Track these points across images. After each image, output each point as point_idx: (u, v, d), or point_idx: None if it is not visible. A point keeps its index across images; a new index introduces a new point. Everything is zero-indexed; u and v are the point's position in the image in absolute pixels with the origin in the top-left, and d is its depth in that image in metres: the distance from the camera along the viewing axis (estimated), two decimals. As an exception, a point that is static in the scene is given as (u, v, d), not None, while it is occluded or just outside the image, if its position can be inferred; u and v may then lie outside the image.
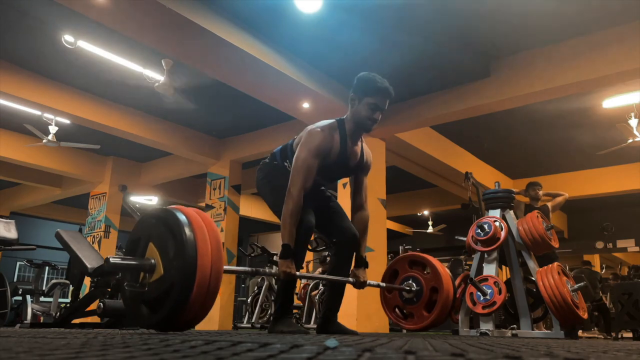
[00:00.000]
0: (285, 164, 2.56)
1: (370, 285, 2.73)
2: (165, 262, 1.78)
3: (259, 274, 2.34)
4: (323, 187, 2.72)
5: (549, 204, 5.13)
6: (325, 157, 2.44)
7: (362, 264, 2.64)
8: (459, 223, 5.59)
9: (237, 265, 7.61)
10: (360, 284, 2.61)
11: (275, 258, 5.40)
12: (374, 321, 5.24)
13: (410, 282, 3.05)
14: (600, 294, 7.18)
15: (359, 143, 2.64)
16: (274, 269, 2.39)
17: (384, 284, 3.01)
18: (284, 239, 2.31)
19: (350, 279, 2.59)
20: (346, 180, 5.49)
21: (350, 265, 2.65)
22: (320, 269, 6.74)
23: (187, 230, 1.74)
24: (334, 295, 2.66)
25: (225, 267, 1.89)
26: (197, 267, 1.70)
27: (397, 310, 3.17)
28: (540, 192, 5.12)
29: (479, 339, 2.34)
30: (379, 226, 5.79)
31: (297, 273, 2.35)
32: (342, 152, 2.50)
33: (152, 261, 1.82)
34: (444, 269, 3.05)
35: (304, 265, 7.54)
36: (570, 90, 4.91)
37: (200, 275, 1.71)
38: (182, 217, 1.79)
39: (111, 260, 1.79)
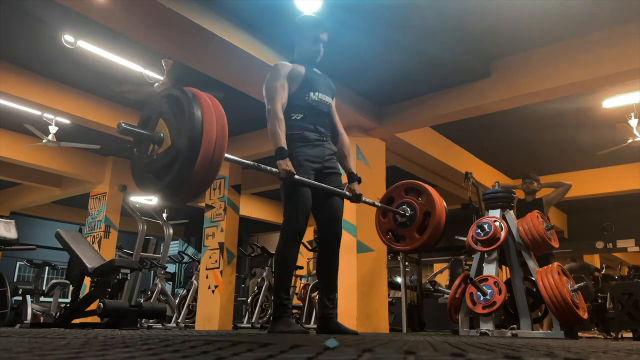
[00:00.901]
0: (293, 116, 2.68)
1: (365, 202, 2.83)
2: (173, 135, 1.92)
3: (260, 169, 2.36)
4: (335, 167, 2.77)
5: (544, 198, 5.02)
6: (293, 74, 2.70)
7: (355, 178, 2.84)
8: (459, 223, 5.60)
9: (237, 265, 7.60)
10: (356, 197, 2.76)
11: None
12: (374, 321, 5.24)
13: (404, 207, 3.05)
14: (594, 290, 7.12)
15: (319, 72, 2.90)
16: (275, 170, 2.44)
17: (379, 204, 3.04)
18: (277, 144, 2.49)
19: (347, 193, 2.75)
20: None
21: (333, 263, 2.73)
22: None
23: (195, 106, 1.89)
24: (327, 281, 2.70)
25: (227, 156, 2.01)
26: (203, 137, 1.84)
27: (390, 234, 3.16)
28: (535, 185, 5.00)
29: (479, 339, 2.34)
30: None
31: (296, 177, 2.45)
32: (309, 69, 2.78)
33: (161, 134, 1.96)
34: (438, 197, 3.06)
35: (304, 264, 7.56)
36: (570, 90, 4.91)
37: (205, 145, 1.85)
38: (191, 95, 1.94)
39: (123, 125, 1.92)
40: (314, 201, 2.64)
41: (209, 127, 1.87)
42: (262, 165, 2.37)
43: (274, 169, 2.42)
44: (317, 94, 2.75)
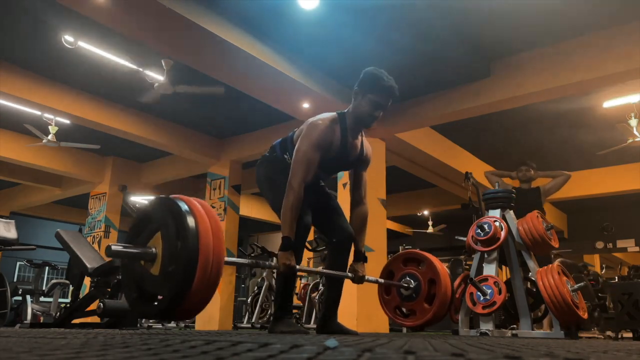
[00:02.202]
0: (285, 156, 2.55)
1: (368, 280, 2.74)
2: (166, 253, 1.80)
3: (258, 266, 2.35)
4: (323, 183, 2.73)
5: (541, 188, 4.80)
6: (326, 150, 2.43)
7: (361, 258, 2.66)
8: (459, 223, 5.59)
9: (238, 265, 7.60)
10: (358, 279, 2.62)
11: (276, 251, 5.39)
12: (374, 321, 5.23)
13: (407, 279, 3.03)
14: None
15: (359, 137, 2.65)
16: (274, 262, 2.39)
17: (382, 280, 3.00)
18: (284, 232, 2.31)
19: (349, 274, 2.61)
20: (346, 180, 5.49)
21: (346, 263, 2.67)
22: (320, 268, 6.75)
23: (189, 220, 1.75)
24: (332, 293, 2.68)
25: (226, 259, 1.90)
26: (199, 256, 1.72)
27: (397, 310, 3.16)
28: (532, 173, 4.80)
29: (479, 339, 2.34)
30: (379, 226, 5.79)
31: (297, 267, 2.35)
32: (343, 145, 2.49)
33: (154, 250, 1.84)
34: (438, 262, 3.04)
35: (304, 264, 7.56)
36: (570, 90, 4.91)
37: (202, 264, 1.72)
38: (185, 207, 1.81)
39: (113, 248, 1.81)
40: (315, 214, 2.55)
41: (205, 245, 1.74)
42: (261, 262, 2.36)
43: (272, 264, 2.37)
44: (323, 174, 2.61)
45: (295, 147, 2.43)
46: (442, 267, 3.02)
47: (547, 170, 5.11)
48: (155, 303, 1.84)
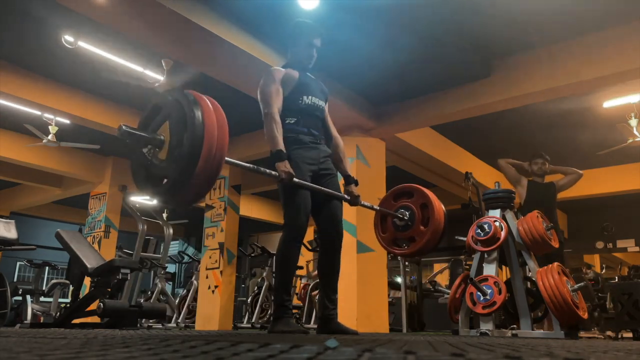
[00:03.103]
0: (287, 120, 2.68)
1: (364, 205, 2.83)
2: (174, 138, 1.91)
3: (259, 172, 2.35)
4: (331, 171, 2.78)
5: (556, 183, 4.69)
6: (289, 81, 2.72)
7: (352, 180, 2.85)
8: (459, 223, 5.59)
9: (237, 265, 7.61)
10: (354, 199, 2.79)
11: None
12: (374, 321, 5.24)
13: (401, 211, 3.03)
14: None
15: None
16: (274, 173, 2.42)
17: (377, 207, 3.01)
18: (275, 147, 2.49)
19: (345, 196, 2.77)
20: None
21: (338, 257, 2.74)
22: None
23: (196, 109, 1.88)
24: (329, 281, 2.70)
25: (227, 159, 2.00)
26: (204, 142, 1.84)
27: (396, 244, 3.13)
28: (547, 167, 4.63)
29: (479, 339, 2.34)
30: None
31: (295, 179, 2.43)
32: (303, 74, 2.80)
33: (162, 137, 1.96)
34: (425, 189, 3.05)
35: (304, 265, 7.55)
36: (570, 90, 4.90)
37: (206, 150, 1.84)
38: (192, 98, 1.93)
39: (124, 127, 1.91)
40: (313, 203, 2.64)
41: (210, 131, 1.86)
42: (262, 169, 2.36)
43: (273, 172, 2.41)
44: (310, 97, 2.76)
45: (258, 92, 2.69)
46: (430, 192, 3.03)
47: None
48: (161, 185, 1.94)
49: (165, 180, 1.91)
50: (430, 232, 2.93)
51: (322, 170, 2.72)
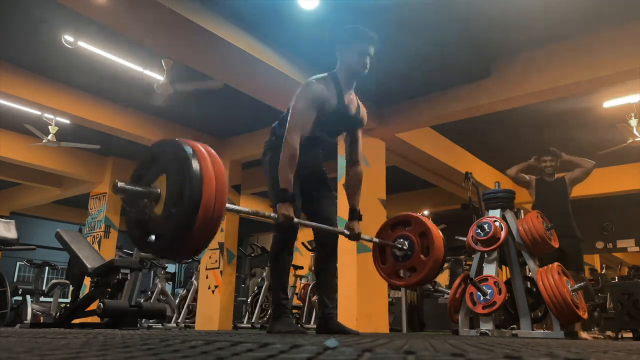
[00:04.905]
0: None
1: (364, 239, 2.79)
2: (170, 193, 1.86)
3: (258, 215, 2.34)
4: (325, 174, 2.75)
5: (567, 177, 4.51)
6: (323, 107, 2.51)
7: (356, 216, 2.73)
8: (459, 223, 5.58)
9: (237, 265, 7.60)
10: (355, 235, 2.69)
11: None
12: (374, 321, 5.23)
13: (399, 240, 3.00)
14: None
15: (354, 95, 2.73)
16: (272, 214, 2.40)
17: (377, 239, 2.98)
18: (282, 185, 2.38)
19: (345, 231, 2.67)
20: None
21: (334, 256, 2.72)
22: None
23: (193, 163, 1.82)
24: (326, 280, 2.69)
25: (228, 205, 1.96)
26: (202, 198, 1.78)
27: (397, 274, 3.09)
28: (558, 163, 4.49)
29: (479, 339, 2.34)
30: (379, 226, 5.78)
31: (295, 219, 2.38)
32: (340, 100, 2.58)
33: (158, 191, 1.90)
34: (422, 217, 3.03)
35: (305, 263, 7.56)
36: (570, 91, 4.90)
37: (204, 206, 1.79)
38: (189, 150, 1.88)
39: (119, 184, 1.85)
40: (306, 202, 2.62)
41: (208, 188, 1.80)
42: (261, 211, 2.37)
43: (272, 214, 2.37)
44: (324, 134, 2.64)
45: (291, 106, 2.50)
46: (428, 220, 3.01)
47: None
48: (157, 241, 1.91)
49: (162, 237, 1.87)
50: (432, 262, 2.89)
51: (313, 174, 2.69)
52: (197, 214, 1.77)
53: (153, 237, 1.91)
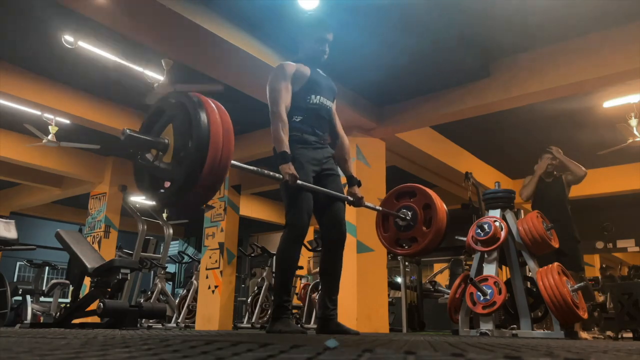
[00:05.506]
0: (293, 118, 2.64)
1: (367, 206, 2.81)
2: (178, 142, 1.88)
3: (263, 174, 2.33)
4: (330, 159, 2.76)
5: (564, 178, 4.57)
6: (301, 74, 2.68)
7: (355, 182, 2.81)
8: (459, 223, 5.59)
9: (237, 265, 7.61)
10: (357, 200, 2.76)
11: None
12: (374, 321, 5.24)
13: (403, 211, 3.01)
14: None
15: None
16: (277, 175, 2.39)
17: (380, 208, 2.99)
18: (280, 149, 2.47)
19: (349, 197, 2.73)
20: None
21: (340, 257, 2.72)
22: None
23: (201, 113, 1.84)
24: (330, 282, 2.69)
25: (233, 162, 1.98)
26: (209, 146, 1.80)
27: (398, 244, 3.11)
28: (556, 162, 4.52)
29: (479, 339, 2.34)
30: (379, 226, 5.78)
31: (299, 181, 2.40)
32: (313, 70, 2.76)
33: (166, 141, 1.92)
34: (428, 189, 3.04)
35: (305, 264, 7.55)
36: (570, 90, 4.90)
37: (212, 154, 1.81)
38: (197, 101, 1.90)
39: (127, 132, 1.86)
40: (316, 203, 2.63)
41: (215, 134, 1.83)
42: (266, 171, 2.35)
43: (277, 174, 2.39)
44: (318, 97, 2.72)
45: (267, 84, 2.64)
46: (433, 192, 3.02)
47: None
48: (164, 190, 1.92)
49: (170, 184, 1.87)
50: (433, 233, 2.92)
51: (325, 170, 2.71)
52: (205, 161, 1.78)
53: (162, 190, 1.92)
